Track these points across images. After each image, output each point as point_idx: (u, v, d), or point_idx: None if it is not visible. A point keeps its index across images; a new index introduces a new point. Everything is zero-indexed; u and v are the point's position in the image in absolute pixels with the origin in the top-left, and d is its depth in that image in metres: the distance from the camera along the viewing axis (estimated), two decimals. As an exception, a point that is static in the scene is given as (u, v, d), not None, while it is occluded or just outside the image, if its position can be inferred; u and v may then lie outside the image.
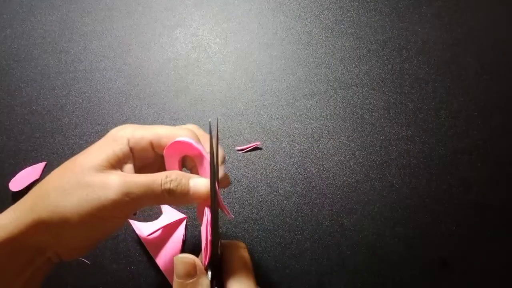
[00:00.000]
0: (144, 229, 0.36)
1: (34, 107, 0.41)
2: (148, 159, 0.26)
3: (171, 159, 0.26)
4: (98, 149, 0.25)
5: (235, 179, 0.38)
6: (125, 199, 0.23)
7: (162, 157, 0.26)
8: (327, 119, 0.39)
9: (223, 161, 0.27)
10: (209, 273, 0.24)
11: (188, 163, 0.27)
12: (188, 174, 0.25)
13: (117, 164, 0.24)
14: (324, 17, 0.43)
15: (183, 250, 0.36)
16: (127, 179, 0.23)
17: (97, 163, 0.24)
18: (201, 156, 0.25)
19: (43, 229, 0.23)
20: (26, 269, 0.24)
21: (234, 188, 0.38)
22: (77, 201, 0.23)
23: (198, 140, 0.26)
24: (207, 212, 0.25)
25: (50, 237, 0.23)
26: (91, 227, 0.23)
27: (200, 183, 0.25)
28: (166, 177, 0.24)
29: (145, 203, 0.24)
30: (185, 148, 0.25)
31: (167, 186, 0.24)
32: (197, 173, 0.26)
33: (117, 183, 0.23)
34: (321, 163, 0.38)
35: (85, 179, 0.23)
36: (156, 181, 0.24)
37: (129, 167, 0.25)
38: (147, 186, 0.23)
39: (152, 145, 0.26)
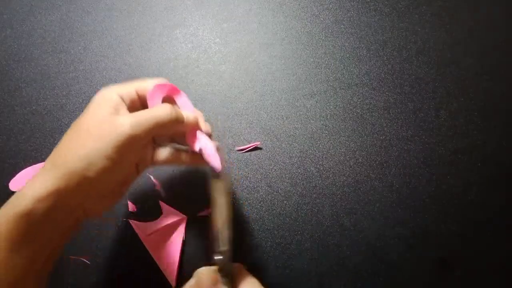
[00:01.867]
0: (144, 229, 0.36)
1: (34, 107, 0.41)
2: (135, 106, 0.30)
3: (154, 101, 0.30)
4: (97, 108, 0.28)
5: (235, 179, 0.38)
6: (138, 131, 0.27)
7: (146, 103, 0.30)
8: (327, 119, 0.39)
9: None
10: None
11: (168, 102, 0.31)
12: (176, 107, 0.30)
13: (116, 112, 0.28)
14: (324, 17, 0.43)
15: (183, 250, 0.36)
16: (136, 115, 0.27)
17: (106, 112, 0.27)
18: (177, 92, 0.32)
19: (74, 183, 0.25)
20: (59, 229, 0.26)
21: (234, 188, 0.38)
22: (99, 146, 0.26)
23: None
24: (200, 136, 0.31)
25: (80, 191, 0.26)
26: (113, 170, 0.26)
27: (188, 113, 0.30)
28: (166, 108, 0.29)
29: (154, 133, 0.28)
30: (164, 88, 0.31)
31: (173, 115, 0.29)
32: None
33: (128, 120, 0.27)
34: (321, 163, 0.38)
35: (102, 127, 0.26)
36: (159, 112, 0.28)
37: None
38: (154, 117, 0.28)
39: (137, 93, 0.30)
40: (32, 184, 0.25)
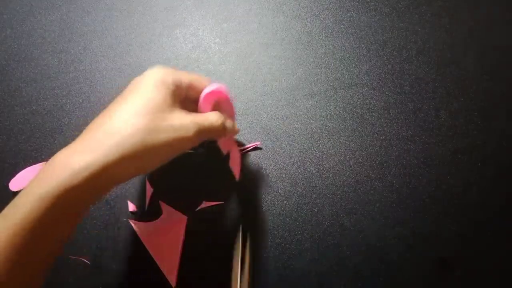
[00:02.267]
0: (144, 229, 0.36)
1: (34, 107, 0.41)
2: (180, 96, 0.30)
3: (206, 103, 0.32)
4: (155, 91, 0.28)
5: (234, 179, 0.38)
6: (198, 136, 0.28)
7: (187, 98, 0.31)
8: (327, 119, 0.39)
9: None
10: None
11: (216, 107, 0.33)
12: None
13: (174, 104, 0.29)
14: (324, 17, 0.43)
15: (183, 250, 0.36)
16: (197, 120, 0.29)
17: (167, 103, 0.28)
18: (226, 98, 0.33)
19: (127, 163, 0.26)
20: (96, 199, 0.27)
21: (234, 188, 0.38)
22: (164, 140, 0.27)
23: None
24: (231, 143, 0.35)
25: (132, 169, 0.26)
26: (166, 157, 0.28)
27: (230, 123, 0.32)
28: (218, 116, 0.31)
29: (206, 138, 0.30)
30: (217, 94, 0.32)
31: (221, 126, 0.31)
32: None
33: (193, 124, 0.28)
34: (321, 163, 0.38)
35: (167, 121, 0.27)
36: (213, 119, 0.30)
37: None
38: (210, 124, 0.30)
39: (189, 86, 0.31)
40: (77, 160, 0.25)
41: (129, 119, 0.26)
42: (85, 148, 0.26)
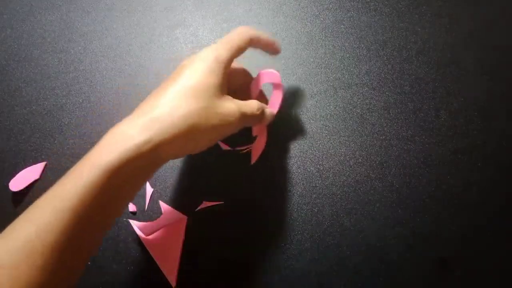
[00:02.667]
0: (144, 229, 0.36)
1: (34, 107, 0.41)
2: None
3: (257, 86, 0.36)
4: (210, 72, 0.30)
5: (234, 179, 0.38)
6: (241, 122, 0.30)
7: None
8: (327, 119, 0.39)
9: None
10: None
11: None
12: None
13: (223, 88, 0.30)
14: (324, 17, 0.43)
15: (183, 250, 0.36)
16: (241, 107, 0.30)
17: (217, 88, 0.30)
18: (278, 86, 0.36)
19: (179, 143, 0.27)
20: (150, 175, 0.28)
21: (234, 188, 0.38)
22: (213, 125, 0.29)
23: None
24: (263, 130, 0.38)
25: (181, 149, 0.28)
26: (212, 141, 0.30)
27: (269, 112, 0.35)
28: (259, 105, 0.32)
29: (248, 125, 0.32)
30: (270, 76, 0.36)
31: (263, 113, 0.33)
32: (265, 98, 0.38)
33: (238, 112, 0.30)
34: (321, 163, 0.38)
35: (217, 108, 0.29)
36: (254, 107, 0.32)
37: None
38: (252, 112, 0.31)
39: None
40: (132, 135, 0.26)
41: (181, 102, 0.28)
42: (143, 126, 0.27)
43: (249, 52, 0.42)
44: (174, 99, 0.28)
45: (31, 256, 0.23)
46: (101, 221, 0.26)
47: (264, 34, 0.34)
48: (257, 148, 0.38)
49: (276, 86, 0.36)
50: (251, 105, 0.32)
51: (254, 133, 0.38)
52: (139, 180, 0.27)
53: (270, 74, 0.35)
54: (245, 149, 0.38)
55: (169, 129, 0.27)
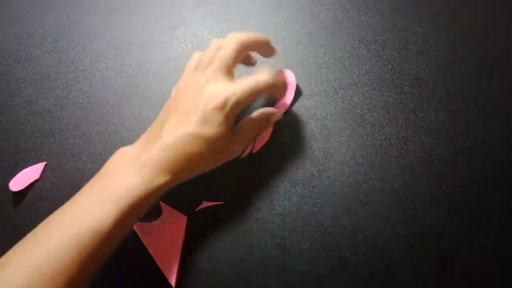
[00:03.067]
0: (144, 229, 0.36)
1: (34, 107, 0.41)
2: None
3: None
4: (222, 131, 0.33)
5: (234, 179, 0.38)
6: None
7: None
8: (327, 119, 0.39)
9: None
10: None
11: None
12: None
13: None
14: (324, 17, 0.43)
15: (183, 250, 0.36)
16: (245, 141, 0.36)
17: (225, 136, 0.33)
18: (292, 86, 0.40)
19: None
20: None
21: (234, 188, 0.38)
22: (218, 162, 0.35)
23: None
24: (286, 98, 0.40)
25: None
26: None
27: (278, 114, 0.38)
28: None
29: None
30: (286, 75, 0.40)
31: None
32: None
33: (242, 149, 0.36)
34: (321, 163, 0.38)
35: (223, 152, 0.35)
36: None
37: None
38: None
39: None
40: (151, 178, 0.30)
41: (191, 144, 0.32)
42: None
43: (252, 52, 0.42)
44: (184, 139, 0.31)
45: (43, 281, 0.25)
46: (110, 249, 0.30)
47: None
48: (261, 139, 0.39)
49: (290, 85, 0.39)
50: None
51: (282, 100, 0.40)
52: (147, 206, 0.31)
53: (285, 73, 0.39)
54: (247, 153, 0.38)
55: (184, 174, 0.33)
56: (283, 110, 0.39)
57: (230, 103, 0.31)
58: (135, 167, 0.30)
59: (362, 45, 0.41)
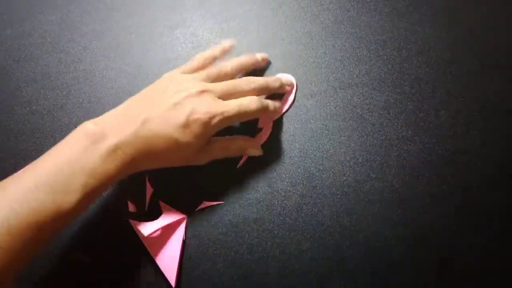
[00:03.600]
0: (144, 229, 0.36)
1: (34, 107, 0.41)
2: None
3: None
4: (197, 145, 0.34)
5: (234, 179, 0.38)
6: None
7: None
8: (327, 119, 0.39)
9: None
10: None
11: None
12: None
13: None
14: (324, 17, 0.43)
15: (183, 250, 0.36)
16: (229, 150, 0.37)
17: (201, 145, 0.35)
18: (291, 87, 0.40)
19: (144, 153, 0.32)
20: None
21: (234, 188, 0.38)
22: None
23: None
24: (270, 123, 0.39)
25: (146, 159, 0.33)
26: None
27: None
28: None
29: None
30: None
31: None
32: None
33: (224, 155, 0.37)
34: (321, 163, 0.38)
35: (199, 156, 0.36)
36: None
37: None
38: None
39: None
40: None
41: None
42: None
43: (250, 51, 0.42)
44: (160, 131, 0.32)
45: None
46: (62, 228, 0.30)
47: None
48: (261, 139, 0.39)
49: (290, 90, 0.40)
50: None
51: (260, 125, 0.39)
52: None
53: (284, 76, 0.40)
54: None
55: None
56: (263, 141, 0.39)
57: (214, 121, 0.32)
58: (105, 150, 0.30)
59: (362, 45, 0.41)
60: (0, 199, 0.27)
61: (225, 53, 0.38)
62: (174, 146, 0.32)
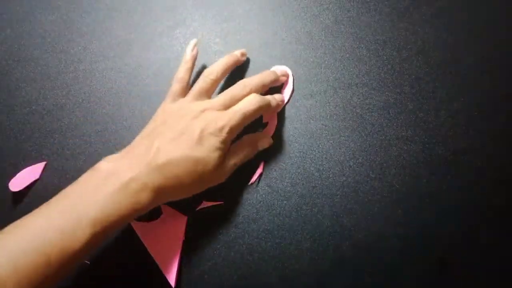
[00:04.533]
0: (144, 229, 0.36)
1: (34, 107, 0.41)
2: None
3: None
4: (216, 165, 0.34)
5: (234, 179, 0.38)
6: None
7: None
8: (327, 119, 0.39)
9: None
10: None
11: None
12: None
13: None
14: (324, 17, 0.43)
15: (183, 250, 0.36)
16: (236, 161, 0.36)
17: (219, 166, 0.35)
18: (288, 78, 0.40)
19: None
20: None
21: (234, 188, 0.38)
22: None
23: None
24: (273, 118, 0.40)
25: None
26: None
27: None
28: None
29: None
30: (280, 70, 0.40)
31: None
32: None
33: (232, 169, 0.36)
34: (321, 163, 0.38)
35: (213, 177, 0.35)
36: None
37: None
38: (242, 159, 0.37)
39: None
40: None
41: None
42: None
43: (250, 51, 0.42)
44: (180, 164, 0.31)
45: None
46: (77, 264, 0.29)
47: (272, 101, 0.37)
48: (268, 131, 0.39)
49: (287, 81, 0.40)
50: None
51: (265, 120, 0.39)
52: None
53: (279, 68, 0.40)
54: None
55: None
56: (271, 134, 0.39)
57: (226, 129, 0.32)
58: (118, 185, 0.29)
59: (362, 45, 0.41)
60: (12, 237, 0.27)
61: (195, 59, 0.38)
62: (193, 166, 0.31)
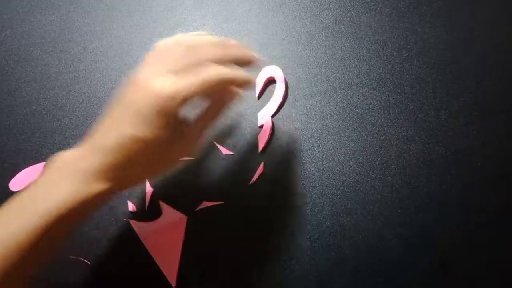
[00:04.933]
0: (144, 229, 0.36)
1: (34, 107, 0.41)
2: None
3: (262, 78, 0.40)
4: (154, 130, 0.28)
5: (234, 179, 0.38)
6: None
7: None
8: (327, 119, 0.39)
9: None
10: None
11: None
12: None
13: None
14: (324, 17, 0.43)
15: (183, 250, 0.36)
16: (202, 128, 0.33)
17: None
18: (281, 79, 0.40)
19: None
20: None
21: (234, 188, 0.38)
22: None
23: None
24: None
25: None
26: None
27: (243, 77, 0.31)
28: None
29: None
30: (272, 71, 0.40)
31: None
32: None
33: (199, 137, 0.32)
34: (321, 163, 0.38)
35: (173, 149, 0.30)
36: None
37: None
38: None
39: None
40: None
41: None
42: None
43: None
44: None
45: None
46: (41, 258, 0.28)
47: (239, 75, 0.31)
48: (264, 136, 0.39)
49: (278, 79, 0.40)
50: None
51: (259, 124, 0.39)
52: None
53: (272, 69, 0.40)
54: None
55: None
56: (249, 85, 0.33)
57: (173, 103, 0.27)
58: (70, 174, 0.27)
59: (362, 45, 0.41)
60: None
61: None
62: (144, 147, 0.27)
